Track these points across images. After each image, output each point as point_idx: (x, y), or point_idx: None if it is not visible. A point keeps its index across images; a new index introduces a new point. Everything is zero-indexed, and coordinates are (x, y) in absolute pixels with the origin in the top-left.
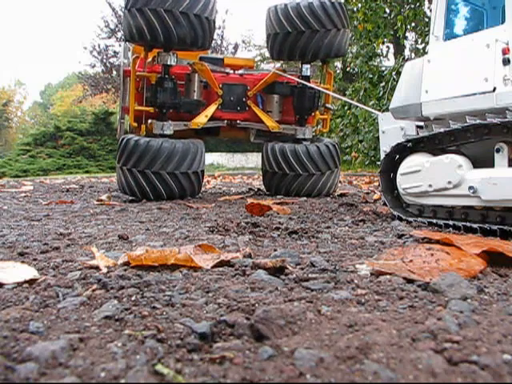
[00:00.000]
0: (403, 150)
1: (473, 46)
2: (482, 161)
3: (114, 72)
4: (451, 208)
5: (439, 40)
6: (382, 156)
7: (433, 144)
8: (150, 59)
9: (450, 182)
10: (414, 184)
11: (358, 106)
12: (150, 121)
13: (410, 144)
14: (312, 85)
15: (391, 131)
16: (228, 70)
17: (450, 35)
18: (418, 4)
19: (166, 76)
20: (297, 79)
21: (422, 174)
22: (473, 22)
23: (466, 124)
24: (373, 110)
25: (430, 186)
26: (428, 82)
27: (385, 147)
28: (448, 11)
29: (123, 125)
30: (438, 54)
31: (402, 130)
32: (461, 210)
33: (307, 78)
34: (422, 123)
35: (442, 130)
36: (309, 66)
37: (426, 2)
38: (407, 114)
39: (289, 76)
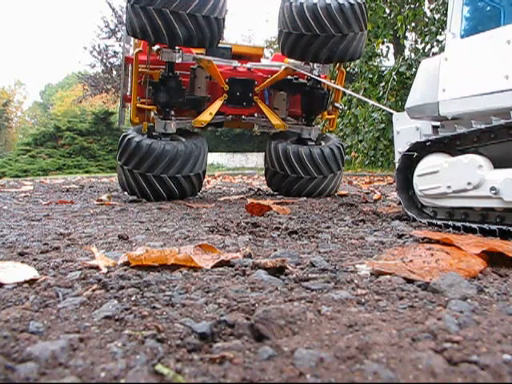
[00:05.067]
0: (421, 150)
1: (492, 42)
2: (504, 161)
3: (114, 72)
4: (471, 209)
5: (456, 37)
6: (397, 157)
7: (453, 144)
8: (155, 48)
9: (469, 183)
10: (432, 185)
11: (357, 106)
12: (152, 114)
13: (429, 143)
14: (324, 80)
15: (406, 131)
16: (235, 63)
17: (467, 32)
18: (417, 4)
19: (170, 74)
20: (309, 74)
21: (441, 175)
22: (490, 19)
23: (489, 124)
24: (389, 109)
25: (449, 187)
26: (445, 81)
27: (400, 148)
28: (464, 8)
29: (124, 113)
30: (456, 51)
31: (418, 131)
32: (478, 212)
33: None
34: (438, 123)
35: (464, 130)
36: (320, 65)
37: (426, 2)
38: (423, 113)
39: (302, 71)
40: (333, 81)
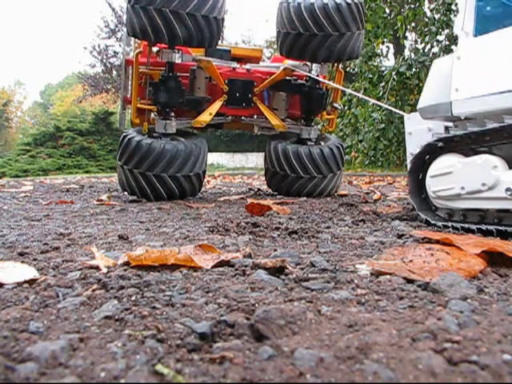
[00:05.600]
0: (447, 142)
1: (505, 41)
2: None
3: (114, 72)
4: (485, 211)
5: (469, 36)
6: (409, 158)
7: (481, 140)
8: (155, 49)
9: (484, 184)
10: (445, 187)
11: (357, 106)
12: (152, 115)
13: (457, 138)
14: (324, 80)
15: (418, 132)
16: (234, 64)
17: (480, 31)
18: (417, 4)
19: (170, 74)
20: (308, 74)
21: (454, 176)
22: (503, 17)
23: None
24: (398, 111)
25: (463, 188)
26: (458, 80)
27: (412, 149)
28: (477, 6)
29: (124, 115)
30: (469, 50)
31: (430, 131)
32: (494, 214)
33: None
34: (450, 124)
35: (494, 125)
36: (319, 65)
37: (426, 2)
38: (436, 113)
39: (301, 71)
40: (331, 81)
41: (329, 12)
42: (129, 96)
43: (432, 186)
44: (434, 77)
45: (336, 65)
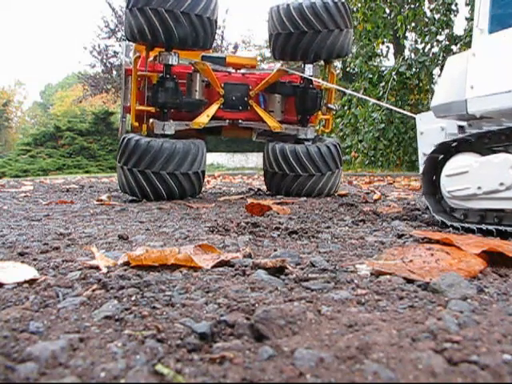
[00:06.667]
0: (477, 139)
1: None
2: None
3: (114, 72)
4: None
5: (484, 33)
6: (421, 159)
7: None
8: (151, 58)
9: (502, 184)
10: (461, 186)
11: (357, 106)
12: (151, 120)
13: (489, 134)
14: (320, 81)
15: (431, 132)
16: (230, 69)
17: (495, 27)
18: (417, 4)
19: (168, 76)
20: (302, 74)
21: (470, 176)
22: None
23: None
24: (408, 113)
25: (480, 188)
26: (473, 77)
27: (424, 149)
28: (492, 3)
29: (124, 124)
30: (484, 47)
31: (443, 131)
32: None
33: (309, 79)
34: (464, 123)
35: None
36: (311, 66)
37: (426, 2)
38: (450, 111)
39: (295, 72)
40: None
41: (317, 10)
42: (128, 105)
43: (447, 185)
44: (448, 74)
45: (328, 66)
